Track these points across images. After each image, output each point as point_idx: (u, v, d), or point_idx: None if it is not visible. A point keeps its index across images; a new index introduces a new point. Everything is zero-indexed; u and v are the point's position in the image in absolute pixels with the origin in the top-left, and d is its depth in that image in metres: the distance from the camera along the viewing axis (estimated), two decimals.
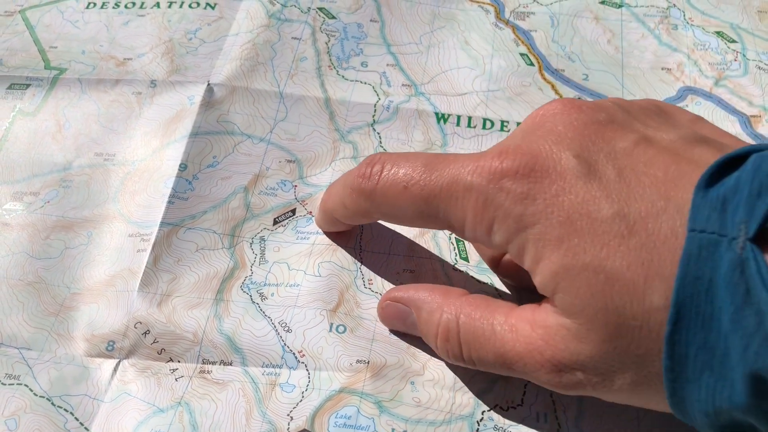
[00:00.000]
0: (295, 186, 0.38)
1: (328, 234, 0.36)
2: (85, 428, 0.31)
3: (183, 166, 0.38)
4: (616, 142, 0.26)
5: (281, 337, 0.33)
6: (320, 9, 0.46)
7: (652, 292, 0.23)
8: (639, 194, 0.24)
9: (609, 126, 0.27)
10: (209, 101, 0.41)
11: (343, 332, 0.33)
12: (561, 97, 0.42)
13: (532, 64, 0.43)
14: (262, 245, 0.36)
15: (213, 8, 0.46)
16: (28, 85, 0.43)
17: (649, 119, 0.28)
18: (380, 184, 0.29)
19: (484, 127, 0.40)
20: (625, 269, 0.24)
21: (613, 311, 0.24)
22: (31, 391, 0.32)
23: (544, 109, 0.28)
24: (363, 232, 0.36)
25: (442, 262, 0.35)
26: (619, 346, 0.24)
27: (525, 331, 0.27)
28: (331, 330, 0.33)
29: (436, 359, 0.32)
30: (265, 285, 0.35)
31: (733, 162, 0.23)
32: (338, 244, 0.36)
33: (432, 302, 0.30)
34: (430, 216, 0.29)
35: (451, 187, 0.27)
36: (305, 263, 0.35)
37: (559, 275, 0.25)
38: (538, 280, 0.26)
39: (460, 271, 0.35)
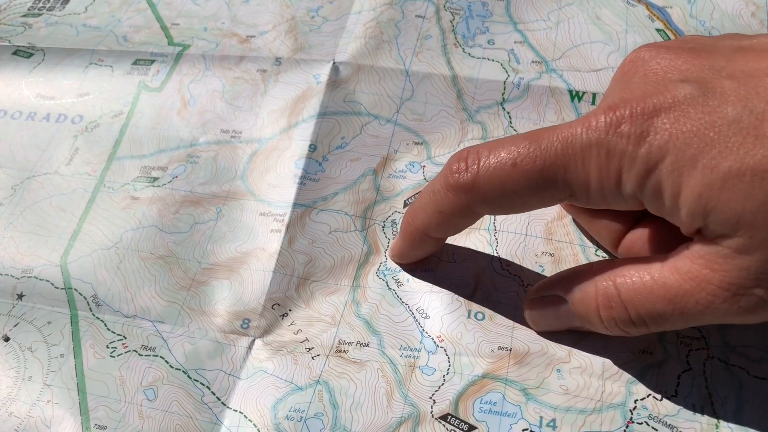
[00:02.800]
0: (424, 167, 0.37)
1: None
2: (222, 403, 0.31)
3: (313, 147, 0.38)
4: (715, 60, 0.26)
5: (419, 323, 0.32)
6: None
7: None
8: (757, 88, 0.24)
9: (702, 50, 0.26)
10: (335, 80, 0.40)
11: (482, 319, 0.32)
12: None
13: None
14: (394, 229, 0.35)
15: None
16: (152, 61, 0.43)
17: (739, 37, 0.28)
18: (482, 171, 0.27)
19: None
20: None
21: None
22: (167, 363, 0.33)
23: (632, 57, 0.28)
24: None
25: (584, 247, 0.34)
26: None
27: (686, 267, 0.25)
28: (469, 317, 0.32)
29: (581, 347, 0.31)
30: (400, 270, 0.34)
31: None
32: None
33: (581, 277, 0.29)
34: (548, 188, 0.27)
35: (567, 150, 0.26)
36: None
37: (703, 196, 0.24)
38: (684, 213, 0.25)
39: (601, 256, 0.34)
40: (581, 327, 0.30)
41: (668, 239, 0.29)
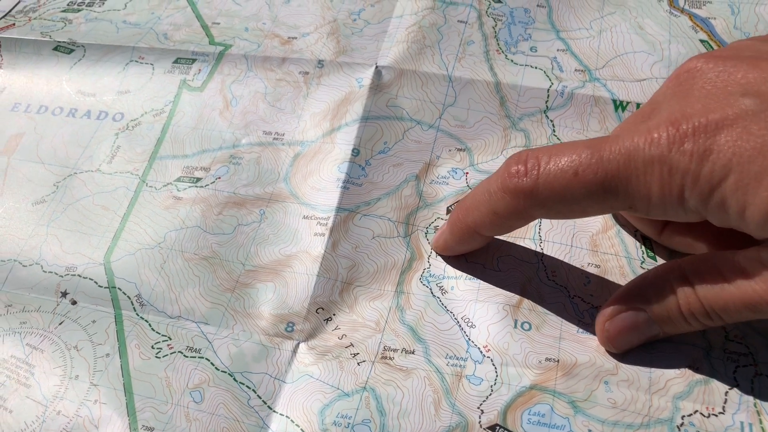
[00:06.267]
0: (467, 173, 0.38)
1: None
2: (269, 407, 0.31)
3: (356, 151, 0.38)
4: None
5: (465, 332, 0.32)
6: None
7: None
8: None
9: (760, 60, 0.26)
10: (378, 84, 0.40)
11: (529, 329, 0.32)
12: None
13: None
14: None
15: None
16: (194, 60, 0.43)
17: None
18: (542, 178, 0.28)
19: None
20: None
21: None
22: (213, 365, 0.33)
23: (686, 69, 0.28)
24: (542, 222, 0.35)
25: (629, 260, 0.34)
26: None
27: (757, 270, 0.26)
28: (516, 326, 0.32)
29: (627, 360, 0.31)
30: (444, 278, 0.34)
31: None
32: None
33: (655, 284, 0.29)
34: (608, 199, 0.27)
35: (629, 164, 0.26)
36: (483, 256, 0.34)
37: None
38: (752, 229, 0.25)
39: (647, 269, 0.34)
40: (659, 334, 0.30)
41: (715, 230, 0.29)
